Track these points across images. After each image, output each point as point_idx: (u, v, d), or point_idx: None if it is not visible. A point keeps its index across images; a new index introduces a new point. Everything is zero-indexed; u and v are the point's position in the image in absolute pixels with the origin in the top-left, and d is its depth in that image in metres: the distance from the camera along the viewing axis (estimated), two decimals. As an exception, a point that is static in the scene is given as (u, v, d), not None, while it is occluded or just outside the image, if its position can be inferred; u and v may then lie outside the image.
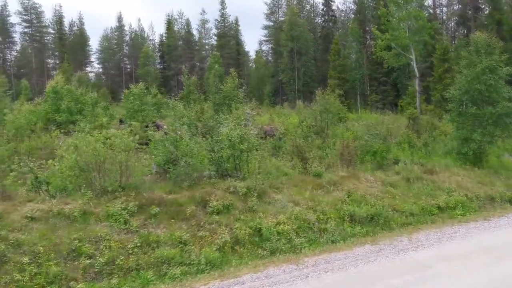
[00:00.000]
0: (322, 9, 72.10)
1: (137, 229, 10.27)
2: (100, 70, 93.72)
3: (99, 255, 9.04)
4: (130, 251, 9.38)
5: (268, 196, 13.56)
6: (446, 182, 17.37)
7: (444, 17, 70.40)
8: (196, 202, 12.06)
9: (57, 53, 74.44)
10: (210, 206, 11.75)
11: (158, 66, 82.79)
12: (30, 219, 10.05)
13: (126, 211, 10.78)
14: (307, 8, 77.80)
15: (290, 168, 17.28)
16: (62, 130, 18.39)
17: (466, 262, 9.07)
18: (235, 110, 20.67)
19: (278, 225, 11.40)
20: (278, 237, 10.89)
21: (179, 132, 15.73)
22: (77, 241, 9.34)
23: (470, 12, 56.99)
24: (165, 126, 24.09)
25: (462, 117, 23.11)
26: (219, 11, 79.33)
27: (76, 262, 8.84)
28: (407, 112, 33.98)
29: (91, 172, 12.28)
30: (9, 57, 76.82)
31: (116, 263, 8.97)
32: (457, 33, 66.10)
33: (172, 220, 10.99)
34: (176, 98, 35.49)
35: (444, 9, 70.92)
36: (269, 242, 10.67)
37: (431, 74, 46.45)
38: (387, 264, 9.16)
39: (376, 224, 12.86)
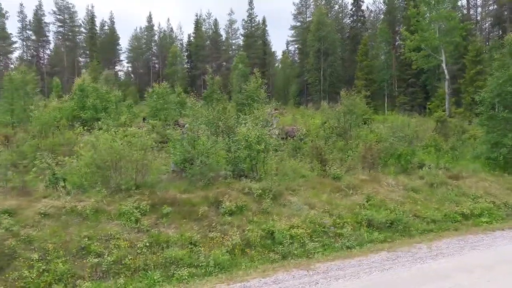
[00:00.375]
0: (351, 9, 71.02)
1: (148, 229, 10.18)
2: (130, 69, 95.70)
3: (107, 254, 8.98)
4: (139, 251, 9.28)
5: (284, 198, 13.27)
6: (472, 188, 16.65)
7: (479, 18, 67.99)
8: (209, 202, 11.90)
9: (88, 52, 76.16)
10: (223, 207, 11.57)
11: (185, 65, 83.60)
12: (43, 215, 10.12)
13: (138, 210, 10.73)
14: (336, 8, 76.87)
15: (308, 170, 16.92)
16: (85, 127, 18.51)
17: (488, 274, 8.51)
18: (256, 110, 20.37)
19: (291, 229, 11.09)
20: (291, 241, 10.58)
21: (200, 131, 15.69)
22: (86, 239, 9.33)
23: (506, 13, 54.84)
24: (187, 125, 24.11)
25: (492, 121, 22.20)
26: (247, 11, 79.48)
27: (85, 261, 8.80)
28: (435, 115, 32.96)
29: (106, 170, 12.32)
30: (43, 55, 79.26)
31: (124, 262, 8.89)
32: (491, 34, 63.77)
33: (184, 220, 10.86)
34: (196, 97, 35.69)
35: (479, 10, 68.53)
36: (281, 246, 10.39)
37: (462, 76, 44.90)
38: (403, 273, 8.71)
39: (395, 230, 12.38)
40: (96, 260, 8.80)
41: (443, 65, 39.04)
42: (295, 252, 10.23)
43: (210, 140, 15.47)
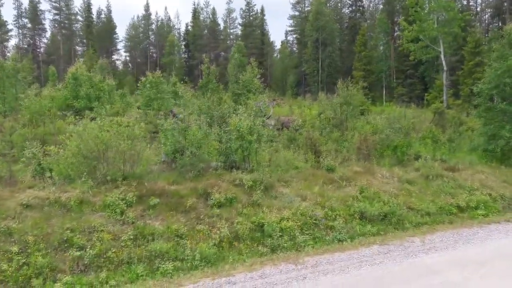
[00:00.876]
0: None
1: (134, 221, 9.90)
2: (127, 58, 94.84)
3: (90, 246, 8.70)
4: (123, 244, 9.00)
5: (275, 190, 12.99)
6: (468, 180, 16.37)
7: (478, 9, 67.32)
8: (198, 194, 11.61)
9: (84, 41, 75.35)
10: (211, 199, 11.28)
11: (183, 55, 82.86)
12: (25, 206, 9.83)
13: (124, 201, 10.44)
14: (334, -2, 76.00)
15: (302, 161, 16.62)
16: (77, 116, 18.15)
17: (480, 270, 8.26)
18: (250, 100, 20.03)
19: (282, 221, 10.81)
20: (281, 234, 10.30)
21: (191, 121, 15.37)
22: (69, 231, 9.03)
23: (506, 4, 54.21)
24: (180, 115, 23.79)
25: (490, 112, 21.92)
26: (245, 0, 78.50)
27: (66, 254, 8.53)
28: (433, 106, 32.65)
29: (93, 160, 12.00)
30: (39, 43, 78.41)
31: (107, 255, 8.61)
32: (491, 26, 63.14)
33: (171, 212, 10.57)
34: (193, 87, 35.22)
35: (479, 1, 67.79)
36: (270, 239, 10.11)
37: (461, 68, 44.47)
38: (393, 267, 8.46)
39: (389, 223, 12.11)
40: (78, 253, 8.52)
41: (441, 56, 38.61)
42: (285, 245, 9.96)
43: (201, 130, 15.16)
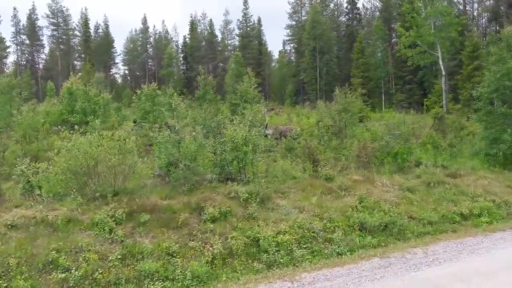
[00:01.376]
0: (346, 7, 70.44)
1: (122, 239, 9.47)
2: (126, 71, 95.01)
3: (75, 268, 8.26)
4: (111, 264, 8.55)
5: (272, 201, 12.57)
6: (471, 187, 15.94)
7: (475, 14, 67.25)
8: (191, 208, 11.20)
9: (83, 55, 75.44)
10: (205, 213, 10.87)
11: (181, 67, 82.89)
12: (10, 227, 9.43)
13: (113, 218, 10.02)
14: (331, 6, 76.07)
15: (300, 171, 16.22)
16: (72, 132, 17.81)
17: (486, 284, 7.82)
18: (245, 110, 19.70)
19: (278, 235, 10.37)
20: (277, 249, 9.86)
21: (185, 133, 15.04)
22: (54, 252, 8.60)
23: (503, 8, 54.07)
24: (177, 127, 23.47)
25: (490, 116, 21.61)
26: (242, 11, 78.79)
27: (50, 276, 8.09)
28: (432, 111, 32.30)
29: (82, 176, 11.63)
30: (37, 59, 78.56)
31: (94, 277, 8.16)
32: (488, 29, 63.00)
33: (163, 229, 10.14)
34: (191, 98, 34.96)
35: (475, 5, 67.73)
36: (266, 254, 9.67)
37: (459, 72, 44.18)
38: (394, 282, 8.00)
39: (390, 233, 11.67)
40: (63, 275, 8.08)
41: (439, 61, 38.35)
42: (281, 260, 9.51)
43: (196, 142, 14.80)
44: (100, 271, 8.28)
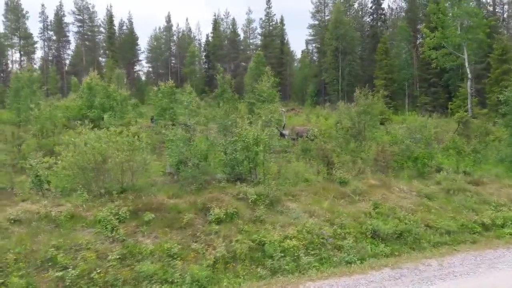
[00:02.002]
0: (371, 7, 69.09)
1: (124, 238, 9.23)
2: (150, 69, 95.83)
3: (72, 266, 8.05)
4: (110, 264, 8.32)
5: (282, 204, 12.16)
6: (494, 195, 15.16)
7: (505, 15, 65.02)
8: (197, 208, 10.90)
9: (107, 52, 76.47)
10: (210, 214, 10.54)
11: (203, 65, 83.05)
12: (13, 221, 9.32)
13: (116, 216, 9.79)
14: (355, 6, 74.83)
15: (313, 174, 15.73)
16: (87, 126, 17.82)
17: (506, 302, 7.24)
18: (260, 109, 19.33)
19: (285, 240, 9.96)
20: (283, 254, 9.45)
21: (197, 131, 14.79)
22: (54, 249, 8.42)
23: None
24: (193, 124, 23.33)
25: (518, 122, 20.57)
26: (265, 10, 78.33)
27: (47, 274, 7.90)
28: (457, 115, 31.15)
29: (89, 172, 11.48)
30: (63, 55, 79.98)
31: (91, 276, 7.94)
32: (519, 32, 60.83)
33: (166, 229, 9.88)
34: (210, 97, 34.76)
35: (506, 7, 65.50)
36: (271, 260, 9.27)
37: (487, 76, 42.63)
38: (405, 297, 7.52)
39: (404, 242, 11.10)
40: (59, 273, 7.89)
41: (466, 63, 36.99)
42: (286, 267, 9.10)
43: (208, 140, 14.55)
44: (98, 271, 8.06)
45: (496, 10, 62.76)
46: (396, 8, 76.98)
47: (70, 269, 7.96)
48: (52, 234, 9.06)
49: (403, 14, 70.07)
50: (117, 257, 8.46)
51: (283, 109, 29.99)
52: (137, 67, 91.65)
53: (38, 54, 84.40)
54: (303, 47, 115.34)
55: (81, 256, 8.37)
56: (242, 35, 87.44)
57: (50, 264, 8.19)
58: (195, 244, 9.40)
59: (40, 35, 76.20)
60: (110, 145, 11.69)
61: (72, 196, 11.15)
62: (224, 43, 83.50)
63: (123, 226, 9.65)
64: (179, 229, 9.95)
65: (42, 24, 76.50)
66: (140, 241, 9.27)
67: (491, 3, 60.96)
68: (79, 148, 11.50)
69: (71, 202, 10.60)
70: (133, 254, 8.74)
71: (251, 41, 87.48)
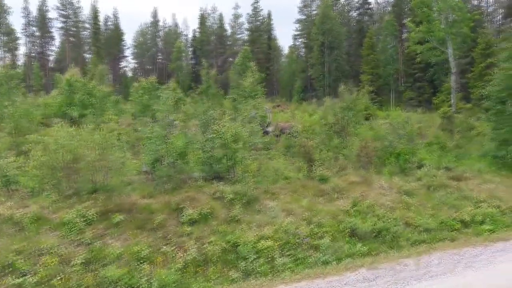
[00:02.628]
0: (358, 2, 68.96)
1: (91, 241, 8.85)
2: (136, 65, 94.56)
3: (32, 272, 7.65)
4: (73, 269, 7.94)
5: (260, 203, 11.87)
6: (475, 191, 15.00)
7: (490, 10, 65.32)
8: (171, 209, 10.54)
9: (92, 48, 75.14)
10: (183, 215, 10.19)
11: (190, 61, 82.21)
12: (-28, 225, 8.88)
13: (84, 218, 9.40)
14: (342, 1, 74.55)
15: (294, 171, 15.45)
16: (63, 124, 17.29)
17: (481, 303, 7.03)
18: (241, 105, 18.99)
19: (260, 240, 9.66)
20: (257, 256, 9.15)
21: (174, 128, 14.39)
22: (14, 254, 8.01)
23: (519, 4, 52.25)
24: (176, 122, 22.89)
25: (501, 116, 20.49)
26: (252, 5, 77.67)
27: (5, 281, 7.50)
28: (440, 110, 31.13)
29: (58, 172, 11.03)
30: (47, 51, 78.32)
31: (52, 283, 7.56)
32: (503, 27, 61.11)
33: (137, 231, 9.51)
34: (195, 93, 34.31)
35: (490, 1, 65.76)
36: (244, 262, 8.97)
37: (471, 71, 42.74)
38: (379, 299, 7.27)
39: (382, 241, 10.89)
40: (18, 280, 7.49)
41: (450, 58, 36.97)
42: (260, 269, 8.81)
43: (186, 137, 14.18)
44: (60, 277, 7.67)
45: (481, 5, 63.00)
46: (383, 2, 77.00)
47: (29, 276, 7.55)
48: (14, 237, 8.64)
49: (389, 8, 70.04)
50: (81, 261, 8.09)
51: (267, 107, 29.63)
52: (123, 63, 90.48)
53: (22, 50, 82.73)
54: (291, 42, 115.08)
55: (42, 261, 7.97)
56: (229, 30, 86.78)
57: (9, 270, 7.78)
58: (166, 246, 9.05)
59: (23, 31, 74.51)
60: (82, 143, 11.24)
61: (41, 197, 10.70)
62: (211, 39, 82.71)
63: (90, 228, 9.27)
64: (150, 230, 9.59)
65: (25, 19, 74.82)
66: (108, 244, 8.89)
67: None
68: (49, 147, 11.04)
69: (38, 204, 10.16)
70: (98, 258, 8.37)
71: (238, 36, 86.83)
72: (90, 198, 10.54)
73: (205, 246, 9.21)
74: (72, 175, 11.22)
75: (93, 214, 9.57)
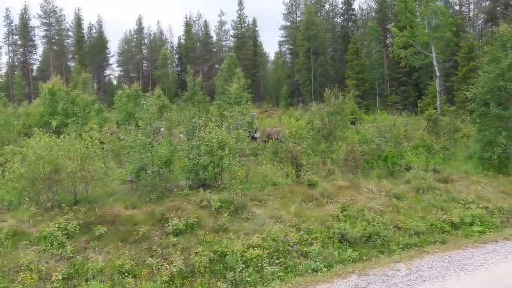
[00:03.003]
0: (342, 8, 69.54)
1: (72, 255, 8.48)
2: (121, 73, 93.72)
3: (8, 291, 7.29)
4: (53, 285, 7.58)
5: (247, 210, 11.61)
6: (463, 192, 15.02)
7: (471, 15, 66.47)
8: (155, 219, 10.22)
9: (76, 56, 74.22)
10: (168, 226, 9.89)
11: (176, 68, 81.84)
12: None
13: (65, 231, 9.03)
14: (326, 7, 75.11)
15: (282, 177, 15.23)
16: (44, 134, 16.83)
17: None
18: (226, 111, 18.78)
19: (248, 249, 9.40)
20: (246, 265, 8.89)
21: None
22: (-11, 271, 7.62)
23: (499, 9, 53.20)
24: (162, 129, 22.53)
25: (485, 118, 20.65)
26: (237, 11, 77.91)
27: (-20, 300, 7.12)
28: (426, 113, 31.37)
29: (39, 183, 10.64)
30: (29, 60, 77.03)
31: (30, 301, 7.20)
32: (484, 31, 62.18)
33: (121, 243, 9.17)
34: (181, 100, 33.93)
35: (472, 6, 66.96)
36: (233, 272, 8.69)
37: (455, 74, 43.29)
38: (371, 307, 7.07)
39: (373, 245, 10.74)
40: (-6, 299, 7.11)
41: (434, 62, 37.45)
42: (249, 279, 8.55)
43: (172, 145, 13.88)
44: (39, 294, 7.30)
45: (462, 10, 64.08)
46: (366, 8, 77.92)
47: (6, 294, 7.18)
48: (-9, 254, 8.23)
49: (373, 14, 70.84)
50: (62, 277, 7.73)
51: (254, 113, 29.46)
52: (107, 71, 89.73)
53: (4, 59, 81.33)
54: (277, 48, 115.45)
55: (21, 278, 7.59)
56: (214, 37, 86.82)
57: (-15, 289, 7.39)
58: (151, 258, 8.73)
59: (5, 40, 73.44)
60: (61, 153, 10.87)
61: (19, 211, 10.29)
62: (197, 46, 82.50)
63: (71, 242, 8.90)
64: (133, 243, 9.26)
65: (7, 28, 73.75)
66: (91, 258, 8.53)
67: (457, 2, 62.16)
68: (28, 157, 10.64)
69: (16, 217, 9.75)
70: (80, 273, 8.02)
71: (224, 43, 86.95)
72: (71, 210, 10.15)
73: (191, 256, 8.92)
74: (52, 186, 10.83)
75: (74, 227, 9.21)
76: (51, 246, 8.58)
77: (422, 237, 11.43)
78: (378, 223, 11.44)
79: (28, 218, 9.70)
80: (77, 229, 9.21)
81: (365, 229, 11.07)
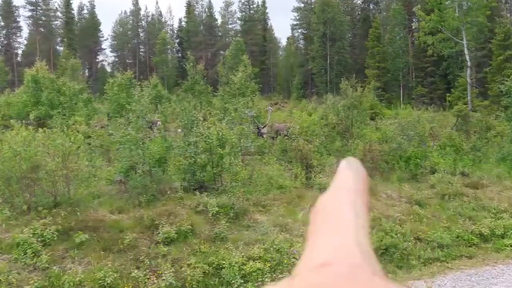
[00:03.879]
0: (362, -12, 69.10)
1: (47, 266, 8.38)
2: (116, 59, 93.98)
3: (-25, 305, 7.21)
4: (25, 300, 7.49)
5: (249, 217, 11.47)
6: (494, 200, 14.73)
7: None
8: (144, 226, 10.10)
9: (65, 40, 74.50)
10: (159, 233, 9.76)
11: (176, 54, 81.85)
12: None
13: (41, 238, 8.93)
14: (345, -13, 74.63)
15: (290, 179, 15.05)
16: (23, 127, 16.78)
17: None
18: (228, 104, 18.64)
19: (248, 261, 9.24)
20: (244, 280, 8.74)
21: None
22: (-46, 283, 7.54)
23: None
24: (159, 123, 22.47)
25: (522, 115, 20.32)
26: (244, -10, 77.56)
27: None
28: (455, 108, 30.96)
29: (12, 184, 10.56)
30: (14, 44, 77.52)
31: (-2, 318, 7.10)
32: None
33: (104, 253, 9.05)
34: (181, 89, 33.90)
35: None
36: (229, 288, 8.56)
37: (489, 64, 42.69)
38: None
39: (390, 259, 10.54)
40: (-42, 315, 7.02)
41: (465, 50, 36.92)
42: (247, 297, 8.40)
43: (166, 142, 13.75)
44: (8, 310, 7.21)
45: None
46: (390, -11, 77.08)
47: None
48: (-43, 263, 8.15)
49: (397, -5, 70.16)
50: (36, 290, 7.61)
51: (270, 107, 29.31)
52: (100, 57, 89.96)
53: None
54: (289, 33, 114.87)
55: (-11, 291, 7.50)
56: (219, 20, 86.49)
57: (-52, 302, 7.31)
58: (137, 271, 8.60)
59: (-14, 21, 73.88)
60: (40, 149, 10.77)
61: (-8, 213, 10.22)
62: (200, 29, 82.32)
63: (48, 250, 8.79)
64: (118, 252, 9.14)
65: (-11, 9, 74.12)
66: (68, 269, 8.42)
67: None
68: (2, 154, 10.56)
69: (-11, 221, 9.68)
70: (55, 286, 7.91)
71: (229, 26, 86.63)
72: (50, 214, 10.04)
73: (183, 269, 8.79)
74: (29, 186, 10.75)
75: (52, 233, 9.10)
76: (24, 254, 8.49)
77: (446, 251, 11.21)
78: (396, 234, 11.24)
79: (1, 222, 9.60)
80: (55, 235, 9.11)
81: (381, 241, 10.85)
